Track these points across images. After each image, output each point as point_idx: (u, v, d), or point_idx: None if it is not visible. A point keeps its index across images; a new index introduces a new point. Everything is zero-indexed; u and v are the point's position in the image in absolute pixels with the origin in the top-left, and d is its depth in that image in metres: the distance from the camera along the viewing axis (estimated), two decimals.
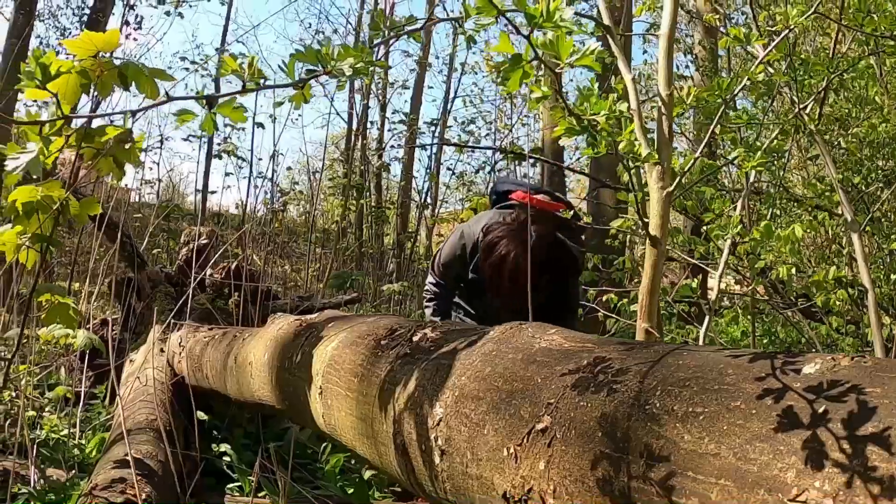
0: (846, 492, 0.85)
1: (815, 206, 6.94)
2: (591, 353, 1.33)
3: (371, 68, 1.21)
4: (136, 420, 3.43)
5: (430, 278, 3.84)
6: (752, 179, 2.20)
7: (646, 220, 1.82)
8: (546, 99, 1.26)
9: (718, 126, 1.92)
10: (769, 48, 1.83)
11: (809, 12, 2.01)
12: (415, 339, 1.84)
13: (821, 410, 0.95)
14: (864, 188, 6.19)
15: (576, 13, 1.52)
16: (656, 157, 1.65)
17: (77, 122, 1.83)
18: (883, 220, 6.24)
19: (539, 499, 1.24)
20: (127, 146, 2.07)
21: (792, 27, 1.84)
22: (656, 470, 1.05)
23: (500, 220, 3.35)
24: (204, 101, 1.24)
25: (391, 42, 1.31)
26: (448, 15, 1.47)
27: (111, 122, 2.12)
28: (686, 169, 1.72)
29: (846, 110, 6.05)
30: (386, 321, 2.16)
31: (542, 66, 1.25)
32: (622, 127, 1.50)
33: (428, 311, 3.80)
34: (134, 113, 1.40)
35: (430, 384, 1.60)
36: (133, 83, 1.77)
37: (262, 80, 1.22)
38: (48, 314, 2.83)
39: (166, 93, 1.28)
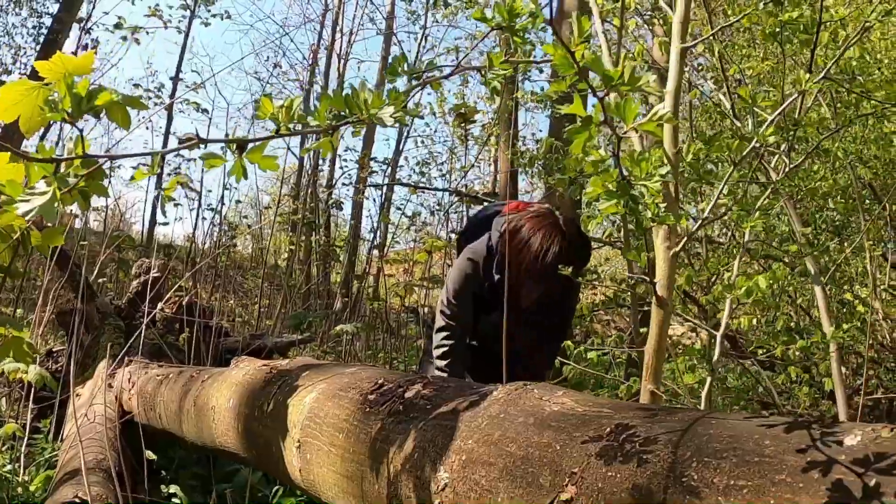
0: None
1: (766, 256, 7.03)
2: (610, 420, 1.28)
3: (406, 117, 1.15)
4: (85, 459, 3.28)
5: (440, 320, 3.48)
6: (747, 238, 2.19)
7: (645, 279, 1.78)
8: (612, 198, 1.19)
9: (726, 187, 1.89)
10: (780, 109, 1.81)
11: (819, 77, 2.01)
12: (407, 395, 1.77)
13: (872, 483, 0.91)
14: (813, 238, 6.29)
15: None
16: (672, 218, 1.61)
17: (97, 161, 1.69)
18: (835, 271, 6.33)
19: None
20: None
21: (805, 89, 1.83)
22: None
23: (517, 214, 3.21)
24: (234, 147, 1.16)
25: (414, 92, 1.25)
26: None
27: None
28: (694, 231, 1.69)
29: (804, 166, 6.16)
30: (368, 373, 2.08)
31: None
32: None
33: (438, 353, 3.42)
34: (163, 156, 1.30)
35: (432, 446, 1.52)
36: (105, 111, 1.66)
37: (292, 125, 1.15)
38: (1, 348, 2.70)
39: (197, 135, 1.18)
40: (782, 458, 1.01)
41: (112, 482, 3.04)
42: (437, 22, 14.86)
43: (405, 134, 14.03)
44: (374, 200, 12.48)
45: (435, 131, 14.78)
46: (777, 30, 2.15)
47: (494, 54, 1.22)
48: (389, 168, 12.45)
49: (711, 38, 2.35)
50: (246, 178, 1.18)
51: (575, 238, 3.07)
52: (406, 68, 1.25)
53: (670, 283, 1.72)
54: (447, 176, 11.72)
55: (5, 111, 1.72)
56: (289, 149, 14.72)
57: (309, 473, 2.04)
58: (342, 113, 1.15)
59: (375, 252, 11.71)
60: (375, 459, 1.68)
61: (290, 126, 1.14)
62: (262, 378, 2.57)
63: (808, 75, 1.84)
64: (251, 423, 2.48)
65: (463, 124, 9.04)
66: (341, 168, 13.83)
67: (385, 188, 10.97)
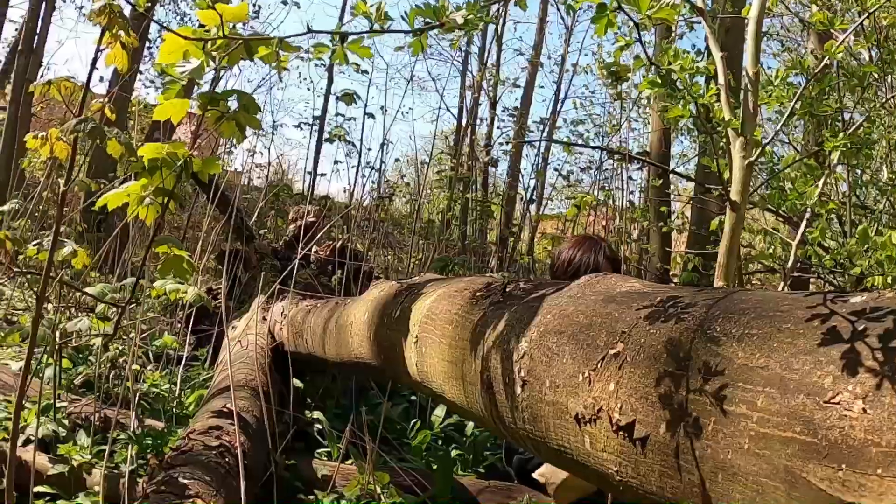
0: (875, 393, 0.96)
1: None
2: (665, 294, 1.47)
3: (481, 22, 1.37)
4: (236, 379, 3.59)
5: None
6: (835, 162, 2.28)
7: (728, 187, 1.93)
8: (656, 88, 1.37)
9: (799, 102, 2.01)
10: (850, 29, 1.92)
11: None
12: (508, 289, 2.01)
13: (860, 328, 1.06)
14: None
15: None
16: (737, 122, 1.76)
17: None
18: None
19: (607, 417, 1.38)
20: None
21: (872, 10, 1.93)
22: (712, 383, 1.18)
23: None
24: (337, 37, 1.41)
25: (500, 4, 1.46)
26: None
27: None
28: (768, 141, 1.83)
29: None
30: (483, 279, 2.32)
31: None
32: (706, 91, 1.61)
33: None
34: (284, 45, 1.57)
35: (518, 323, 1.76)
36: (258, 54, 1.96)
37: (387, 24, 1.40)
38: (163, 265, 3.04)
39: (307, 25, 1.46)
40: (793, 313, 1.18)
41: (258, 399, 3.37)
42: None
43: (563, 94, 14.18)
44: (528, 157, 12.64)
45: (593, 92, 14.86)
46: None
47: None
48: (546, 127, 12.65)
49: None
50: (347, 63, 1.43)
51: (608, 252, 3.34)
52: None
53: (744, 188, 1.87)
54: (602, 137, 11.80)
55: (170, 55, 2.06)
56: (447, 109, 15.07)
57: (423, 366, 2.30)
58: (429, 20, 1.38)
59: (531, 209, 11.93)
60: (474, 342, 1.93)
61: (385, 25, 1.39)
62: (394, 292, 2.84)
63: None
64: (381, 329, 2.76)
65: (616, 83, 9.09)
66: (498, 128, 14.14)
67: (541, 147, 11.13)
